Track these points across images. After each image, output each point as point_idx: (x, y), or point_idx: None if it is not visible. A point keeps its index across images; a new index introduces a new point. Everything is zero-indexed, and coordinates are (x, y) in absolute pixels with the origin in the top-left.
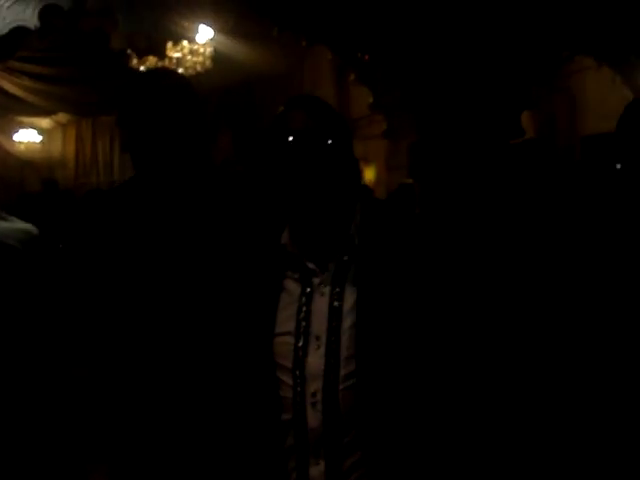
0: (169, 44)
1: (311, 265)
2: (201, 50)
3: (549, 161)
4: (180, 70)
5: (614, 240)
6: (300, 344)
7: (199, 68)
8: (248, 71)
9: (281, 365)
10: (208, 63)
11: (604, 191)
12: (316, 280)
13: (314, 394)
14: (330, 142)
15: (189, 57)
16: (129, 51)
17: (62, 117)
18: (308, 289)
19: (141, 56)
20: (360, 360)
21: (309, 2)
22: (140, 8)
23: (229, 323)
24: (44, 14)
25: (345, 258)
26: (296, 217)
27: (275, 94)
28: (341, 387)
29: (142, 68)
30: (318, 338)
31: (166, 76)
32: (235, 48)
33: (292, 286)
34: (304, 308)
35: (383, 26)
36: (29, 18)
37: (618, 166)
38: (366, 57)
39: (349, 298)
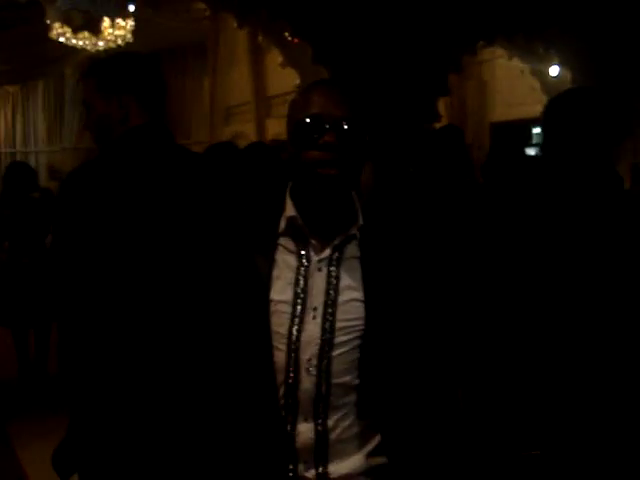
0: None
1: (314, 241)
2: (122, 23)
3: (460, 146)
4: (100, 43)
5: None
6: (297, 313)
7: (120, 42)
8: (160, 41)
9: (274, 331)
10: (129, 37)
11: (518, 176)
12: (315, 257)
13: (309, 360)
14: (347, 127)
15: (110, 30)
16: (57, 25)
17: None
18: (306, 263)
19: (76, 32)
20: (368, 330)
21: None
22: None
23: (223, 289)
24: None
25: (344, 238)
26: (311, 191)
27: (187, 67)
28: (334, 354)
29: (75, 41)
30: (315, 309)
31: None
32: (150, 18)
33: (287, 257)
34: (301, 281)
35: (311, 12)
36: None
37: (531, 152)
38: (295, 40)
39: (345, 276)
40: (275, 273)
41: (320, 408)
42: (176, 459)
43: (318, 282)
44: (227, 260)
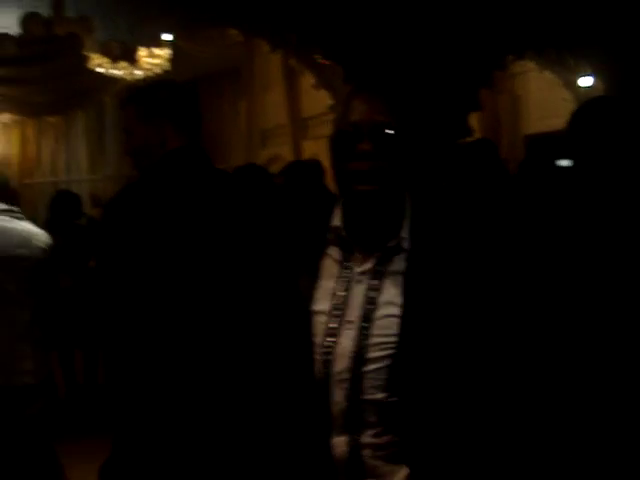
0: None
1: (358, 253)
2: (160, 52)
3: (494, 159)
4: (139, 72)
5: (567, 234)
6: (333, 325)
7: (158, 70)
8: (196, 68)
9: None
10: (167, 65)
11: (551, 187)
12: (357, 268)
13: (340, 373)
14: (390, 132)
15: (148, 59)
16: (95, 56)
17: (5, 117)
18: (347, 275)
19: (114, 62)
20: (400, 347)
21: (273, 8)
22: (115, 15)
23: (266, 303)
24: (25, 21)
25: (386, 251)
26: (352, 206)
27: (223, 92)
28: (366, 369)
29: (113, 71)
30: (351, 322)
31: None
32: (186, 46)
33: (331, 267)
34: (341, 293)
35: (343, 34)
36: (10, 25)
37: (562, 163)
38: (326, 62)
39: (387, 290)
40: (319, 283)
41: (353, 422)
42: (220, 472)
43: (357, 295)
44: (269, 274)
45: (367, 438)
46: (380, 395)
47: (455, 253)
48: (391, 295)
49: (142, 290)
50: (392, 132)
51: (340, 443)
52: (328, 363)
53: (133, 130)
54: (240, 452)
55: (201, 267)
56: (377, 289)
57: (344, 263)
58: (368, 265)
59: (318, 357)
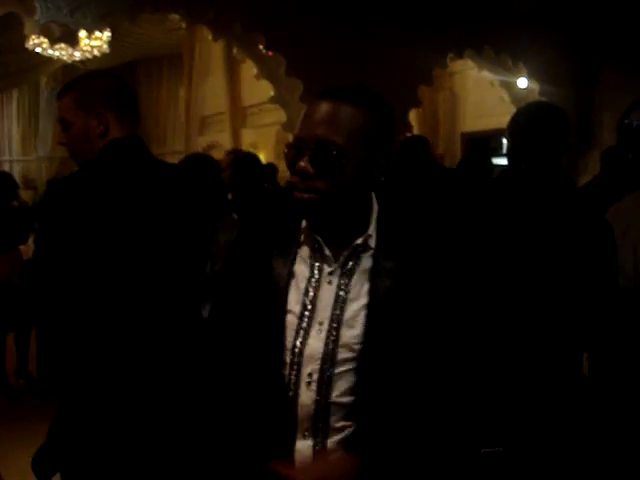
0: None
1: (328, 252)
2: (99, 34)
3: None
4: (77, 54)
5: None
6: (303, 326)
7: (96, 52)
8: (136, 52)
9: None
10: (105, 47)
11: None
12: (327, 268)
13: (310, 374)
14: (324, 150)
15: (86, 41)
16: (34, 36)
17: None
18: (317, 275)
19: (54, 44)
20: (366, 348)
21: None
22: None
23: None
24: None
25: (359, 251)
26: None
27: (162, 76)
28: (336, 371)
29: (51, 52)
30: (321, 323)
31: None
32: (124, 29)
33: (302, 267)
34: (311, 293)
35: (286, 25)
36: None
37: (501, 161)
38: (269, 53)
39: (355, 289)
40: (292, 283)
41: (319, 427)
42: (165, 461)
43: (327, 295)
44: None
45: (333, 444)
46: (349, 398)
47: (420, 253)
48: (358, 294)
49: (78, 273)
50: (333, 152)
51: (303, 447)
52: (297, 364)
53: (72, 120)
54: (183, 447)
55: (139, 257)
56: (346, 289)
57: (314, 263)
58: (337, 264)
59: (288, 359)
